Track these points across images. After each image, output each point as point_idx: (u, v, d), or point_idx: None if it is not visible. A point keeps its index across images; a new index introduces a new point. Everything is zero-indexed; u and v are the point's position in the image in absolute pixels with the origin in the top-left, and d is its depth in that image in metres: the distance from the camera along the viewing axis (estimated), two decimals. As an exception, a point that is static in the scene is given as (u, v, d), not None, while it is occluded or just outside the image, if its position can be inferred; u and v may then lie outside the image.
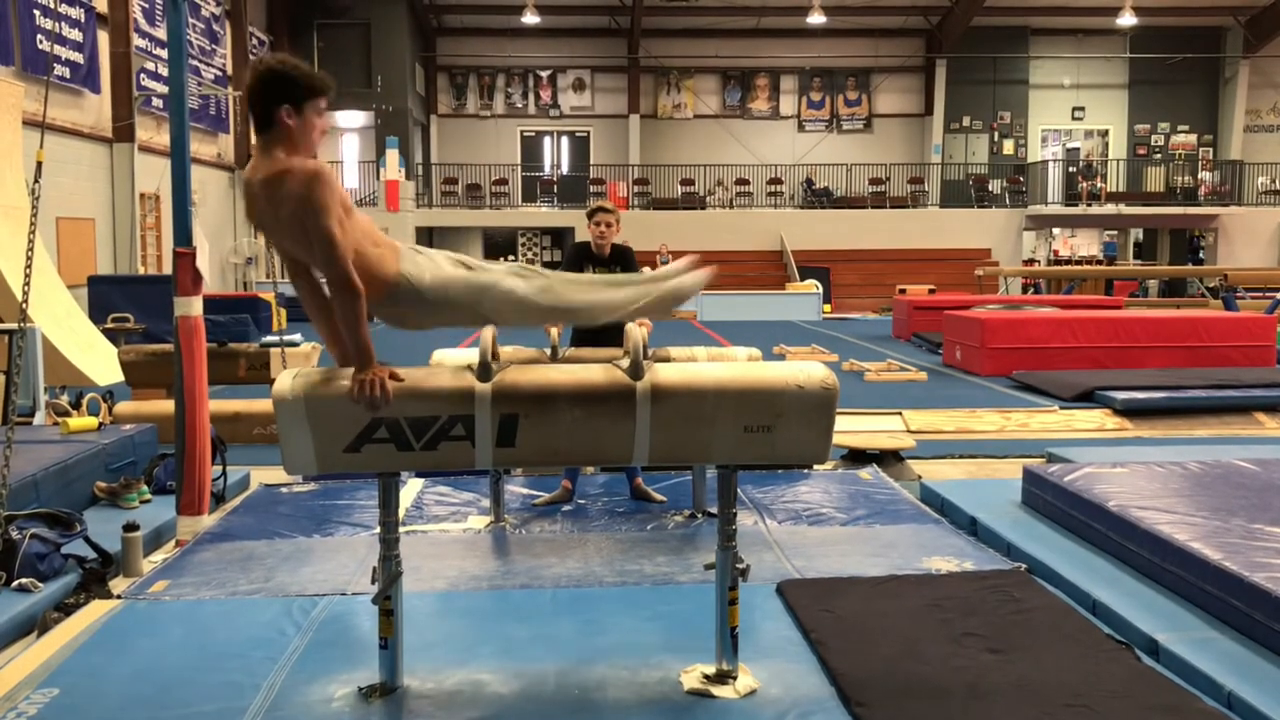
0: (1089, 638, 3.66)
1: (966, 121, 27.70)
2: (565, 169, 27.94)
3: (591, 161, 27.64)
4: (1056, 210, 26.23)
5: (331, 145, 26.14)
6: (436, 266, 3.11)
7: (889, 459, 6.67)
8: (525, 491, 5.87)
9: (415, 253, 3.14)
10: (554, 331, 5.21)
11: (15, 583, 4.22)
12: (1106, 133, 28.28)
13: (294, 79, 2.95)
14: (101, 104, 15.80)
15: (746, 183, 26.81)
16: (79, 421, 6.28)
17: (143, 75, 16.79)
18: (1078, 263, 26.53)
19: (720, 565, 3.29)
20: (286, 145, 2.98)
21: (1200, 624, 3.75)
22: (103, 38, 15.75)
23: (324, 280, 3.02)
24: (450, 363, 4.51)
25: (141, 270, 16.47)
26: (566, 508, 5.59)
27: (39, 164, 4.69)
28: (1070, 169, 27.11)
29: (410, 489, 5.90)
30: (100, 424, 6.41)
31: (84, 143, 15.22)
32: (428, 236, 26.21)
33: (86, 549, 4.59)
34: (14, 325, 5.88)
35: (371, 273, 3.01)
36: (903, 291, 19.69)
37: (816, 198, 26.87)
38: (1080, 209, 25.82)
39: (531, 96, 27.77)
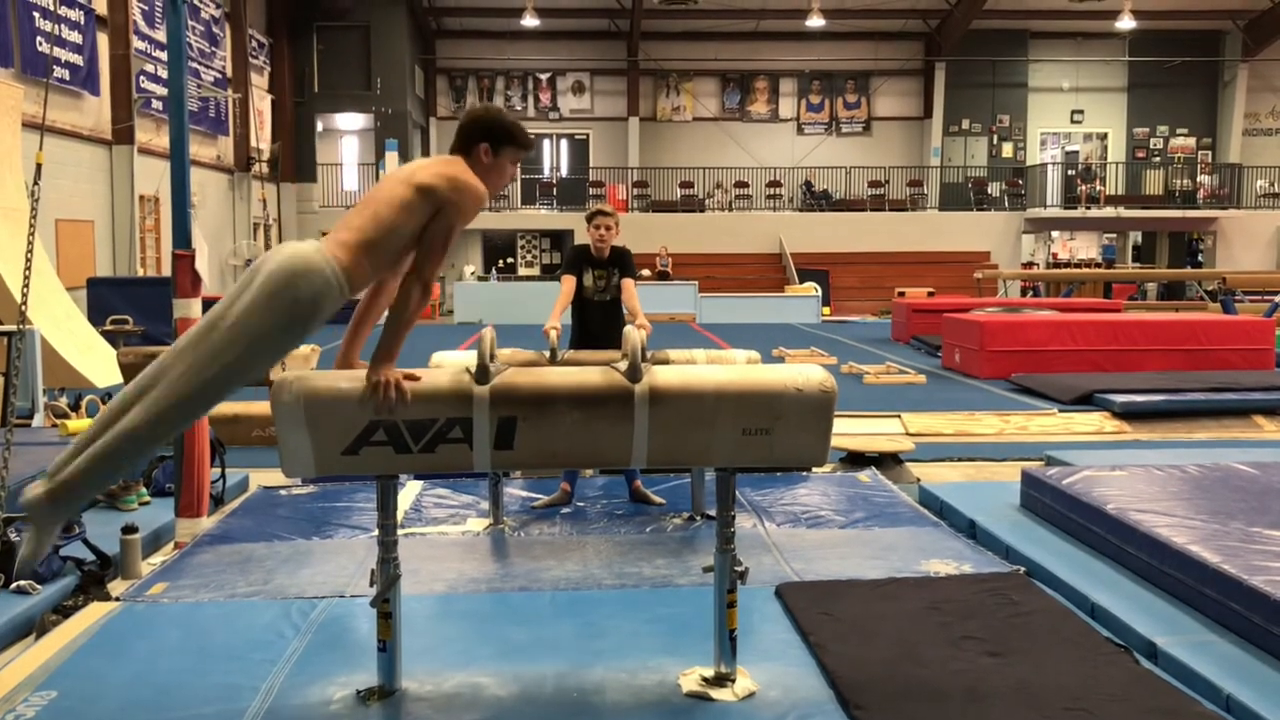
0: (1088, 641, 3.66)
1: (965, 124, 27.71)
2: (564, 171, 27.94)
3: (591, 164, 27.64)
4: (1055, 213, 26.24)
5: (331, 147, 26.17)
6: None
7: (888, 462, 6.67)
8: (524, 494, 5.87)
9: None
10: (553, 334, 5.22)
11: (13, 585, 4.22)
12: (1105, 136, 28.30)
13: (504, 127, 3.22)
14: (101, 106, 15.79)
15: (746, 185, 26.81)
16: (78, 423, 6.28)
17: (142, 77, 16.78)
18: (1076, 265, 26.54)
19: (719, 568, 3.29)
20: (474, 170, 3.16)
21: (1199, 627, 3.76)
22: (102, 40, 15.75)
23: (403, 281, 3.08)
24: (449, 365, 4.52)
25: (141, 272, 16.45)
26: (565, 510, 5.59)
27: (38, 166, 4.70)
28: (1069, 172, 27.12)
29: (409, 491, 5.90)
30: (99, 426, 6.40)
31: (83, 145, 15.21)
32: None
33: (85, 551, 4.58)
34: (13, 327, 5.88)
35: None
36: (902, 294, 19.70)
37: (815, 200, 26.88)
38: (1079, 212, 25.83)
39: (531, 99, 27.76)
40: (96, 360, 10.78)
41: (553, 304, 5.50)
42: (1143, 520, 4.41)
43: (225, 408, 7.67)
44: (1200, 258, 26.75)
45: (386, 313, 3.16)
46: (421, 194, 3.03)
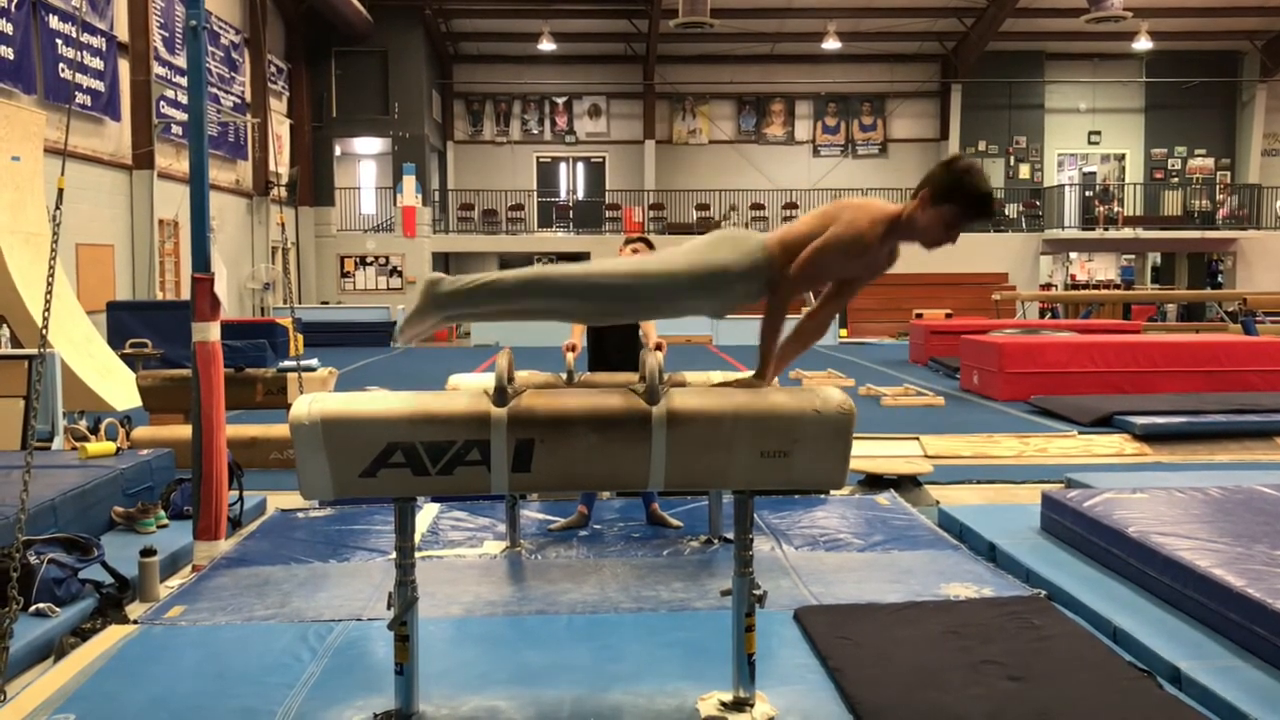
0: (1110, 666, 3.62)
1: (982, 146, 27.69)
2: (581, 194, 28.06)
3: (607, 187, 27.75)
4: (1073, 234, 26.17)
5: (349, 171, 26.33)
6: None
7: (907, 484, 6.64)
8: (541, 517, 5.86)
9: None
10: (570, 356, 5.22)
11: (33, 608, 4.22)
12: (1123, 157, 28.24)
13: (947, 186, 3.16)
14: (121, 131, 15.94)
15: (762, 207, 26.84)
16: (97, 446, 6.30)
17: (162, 103, 16.95)
18: (1095, 287, 26.45)
19: (737, 591, 3.27)
20: (911, 211, 3.26)
21: (1223, 652, 3.71)
22: (123, 66, 15.92)
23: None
24: (466, 387, 4.52)
25: (160, 296, 16.57)
26: (582, 533, 5.57)
27: (60, 191, 4.73)
28: (1087, 193, 27.07)
29: (426, 514, 5.90)
30: (118, 449, 6.44)
31: (104, 170, 15.35)
32: (444, 262, 26.32)
33: (104, 574, 4.60)
34: (34, 351, 5.93)
35: None
36: (919, 316, 19.65)
37: (832, 222, 26.85)
38: (1097, 233, 25.75)
39: (547, 123, 27.91)
40: (116, 383, 10.85)
41: (571, 324, 5.50)
42: (1165, 543, 4.37)
43: (243, 430, 7.70)
44: (1220, 279, 26.63)
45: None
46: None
